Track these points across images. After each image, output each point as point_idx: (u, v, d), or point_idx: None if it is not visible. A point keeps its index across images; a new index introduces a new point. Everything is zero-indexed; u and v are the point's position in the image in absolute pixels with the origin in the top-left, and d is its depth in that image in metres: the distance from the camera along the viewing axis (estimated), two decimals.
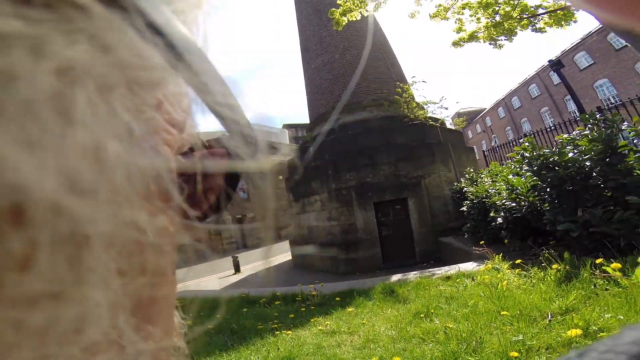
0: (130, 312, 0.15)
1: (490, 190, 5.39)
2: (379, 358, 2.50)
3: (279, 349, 2.99)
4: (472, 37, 7.99)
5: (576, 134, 3.93)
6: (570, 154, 3.66)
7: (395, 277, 5.26)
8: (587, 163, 3.52)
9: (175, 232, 0.17)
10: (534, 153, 4.01)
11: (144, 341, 0.16)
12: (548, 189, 3.83)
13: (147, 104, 0.15)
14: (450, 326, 2.67)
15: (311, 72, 11.80)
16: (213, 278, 10.13)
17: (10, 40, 0.11)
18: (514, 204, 4.44)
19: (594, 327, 1.95)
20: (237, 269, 11.19)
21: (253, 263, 12.18)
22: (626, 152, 3.33)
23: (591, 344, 0.18)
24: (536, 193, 4.05)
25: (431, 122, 9.25)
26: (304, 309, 4.27)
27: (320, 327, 3.43)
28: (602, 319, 2.03)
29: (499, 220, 4.81)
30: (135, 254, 0.15)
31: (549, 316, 2.29)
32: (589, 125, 3.70)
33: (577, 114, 8.50)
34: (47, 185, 0.11)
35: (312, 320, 3.70)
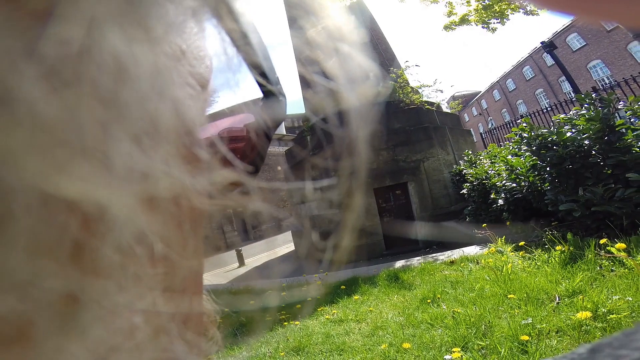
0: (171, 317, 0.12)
1: (489, 172, 5.40)
2: (389, 344, 2.52)
3: (288, 339, 3.01)
4: (464, 21, 7.97)
5: (573, 113, 3.95)
6: (569, 134, 3.68)
7: (399, 264, 5.30)
8: (586, 142, 3.55)
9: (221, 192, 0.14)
10: (532, 133, 4.02)
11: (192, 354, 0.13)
12: (548, 168, 3.85)
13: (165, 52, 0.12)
14: (458, 311, 2.69)
15: None
16: (219, 272, 10.17)
17: None
18: (514, 185, 4.46)
19: (602, 309, 1.97)
20: (241, 262, 11.24)
21: (257, 255, 12.23)
22: (624, 130, 3.34)
23: (602, 339, 0.17)
24: (536, 172, 4.07)
25: (427, 106, 9.19)
26: (310, 298, 4.30)
27: (327, 316, 3.46)
28: (610, 301, 2.05)
29: (500, 202, 4.83)
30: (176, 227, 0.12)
31: (557, 299, 2.31)
32: (586, 105, 3.71)
33: (573, 94, 8.48)
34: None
35: (319, 309, 3.73)
